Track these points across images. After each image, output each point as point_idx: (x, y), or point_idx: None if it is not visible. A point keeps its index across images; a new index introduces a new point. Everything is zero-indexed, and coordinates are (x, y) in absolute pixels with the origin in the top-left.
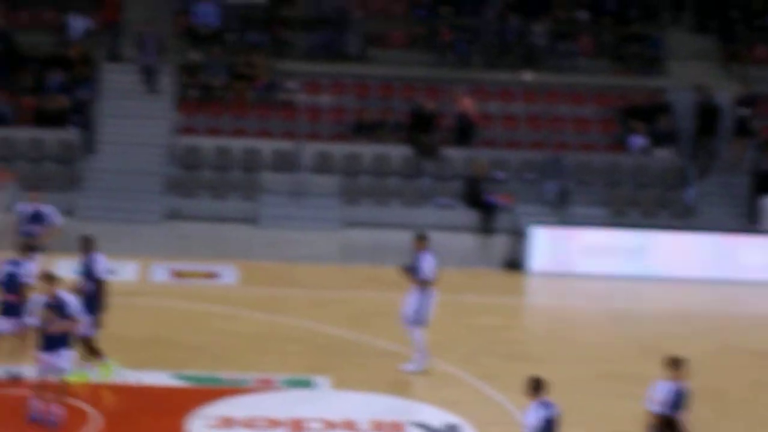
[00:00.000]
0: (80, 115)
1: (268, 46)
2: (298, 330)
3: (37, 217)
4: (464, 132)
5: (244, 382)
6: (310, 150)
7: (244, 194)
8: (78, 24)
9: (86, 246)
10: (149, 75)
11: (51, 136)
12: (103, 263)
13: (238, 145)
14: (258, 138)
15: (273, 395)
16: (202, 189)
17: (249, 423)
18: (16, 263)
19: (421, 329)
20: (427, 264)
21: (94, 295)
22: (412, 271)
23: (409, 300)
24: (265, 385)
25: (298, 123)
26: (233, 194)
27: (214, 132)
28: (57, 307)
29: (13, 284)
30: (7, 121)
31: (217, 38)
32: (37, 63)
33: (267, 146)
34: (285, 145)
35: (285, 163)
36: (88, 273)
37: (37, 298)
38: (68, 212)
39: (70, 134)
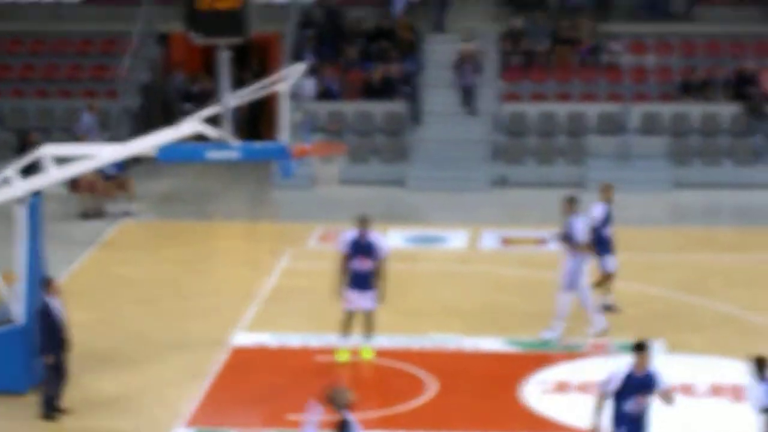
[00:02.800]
0: (407, 87)
1: (592, 8)
2: (631, 294)
3: (364, 248)
4: None
5: (579, 347)
6: (636, 112)
7: (570, 159)
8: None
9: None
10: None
11: (378, 108)
12: (581, 226)
13: (562, 109)
14: (583, 102)
15: (607, 360)
16: (528, 155)
17: (584, 387)
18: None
19: (570, 295)
20: (579, 227)
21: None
22: (565, 236)
23: (563, 265)
24: (600, 350)
25: (623, 85)
26: (559, 159)
27: (538, 97)
28: None
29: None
30: (335, 95)
31: (539, 3)
32: (363, 37)
33: (592, 110)
34: (610, 107)
35: (611, 126)
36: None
37: None
38: (398, 182)
39: (397, 106)
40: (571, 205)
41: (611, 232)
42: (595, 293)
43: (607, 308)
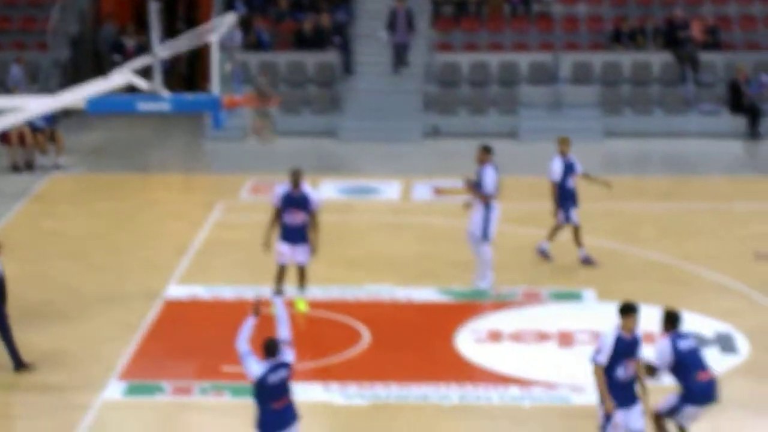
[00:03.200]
0: (338, 37)
1: None
2: (562, 243)
3: (297, 201)
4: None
5: (511, 296)
6: (567, 61)
7: (503, 109)
8: None
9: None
10: None
11: (310, 59)
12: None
13: (494, 59)
14: (515, 51)
15: (540, 308)
16: (460, 105)
17: (517, 336)
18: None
19: (488, 245)
20: (490, 177)
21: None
22: (476, 185)
23: (474, 217)
24: (532, 299)
25: (554, 34)
26: (491, 109)
27: (470, 48)
28: None
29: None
30: (266, 46)
31: None
32: None
33: (524, 59)
34: (542, 57)
35: (543, 76)
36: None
37: None
38: (330, 134)
39: (329, 57)
40: (486, 153)
41: (573, 184)
42: (549, 242)
43: (586, 261)
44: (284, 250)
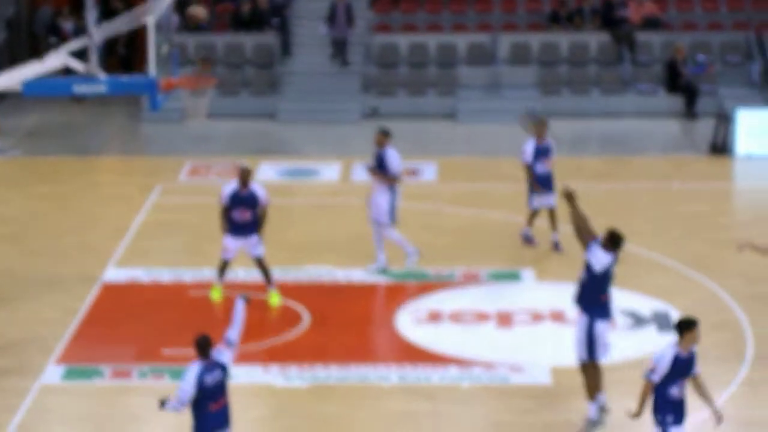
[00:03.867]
0: (276, 18)
1: None
2: (502, 224)
3: (245, 200)
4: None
5: (450, 277)
6: (505, 42)
7: (442, 90)
8: None
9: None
10: None
11: (248, 40)
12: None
13: (433, 40)
14: (453, 32)
15: (479, 288)
16: (399, 86)
17: (456, 316)
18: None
19: (394, 227)
20: (395, 159)
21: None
22: (380, 168)
23: (377, 200)
24: (471, 279)
25: (492, 15)
26: (430, 90)
27: (409, 29)
28: None
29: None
30: (204, 27)
31: None
32: None
33: (462, 40)
34: (480, 38)
35: (481, 57)
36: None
37: None
38: (269, 115)
39: (267, 38)
40: (384, 137)
41: (547, 168)
42: (529, 227)
43: (555, 246)
44: (230, 246)
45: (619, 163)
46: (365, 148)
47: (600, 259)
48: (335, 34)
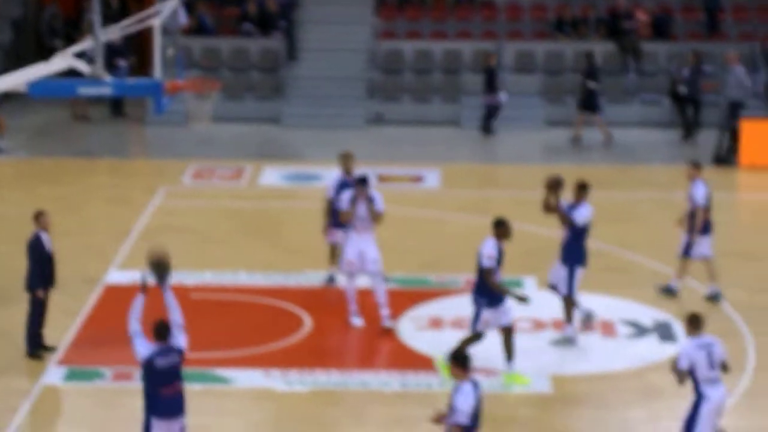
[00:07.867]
0: (282, 22)
1: None
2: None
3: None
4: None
5: (453, 284)
6: (510, 49)
7: (446, 96)
8: None
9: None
10: None
11: (254, 44)
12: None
13: (438, 47)
14: (458, 39)
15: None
16: (404, 93)
17: (458, 323)
18: None
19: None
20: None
21: None
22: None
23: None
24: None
25: (498, 23)
26: (435, 97)
27: (414, 35)
28: None
29: None
30: (209, 31)
31: None
32: None
33: (467, 47)
34: (486, 45)
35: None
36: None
37: None
38: (273, 120)
39: (272, 42)
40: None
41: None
42: None
43: None
44: (339, 236)
45: (622, 171)
46: (369, 153)
47: (582, 212)
48: None
